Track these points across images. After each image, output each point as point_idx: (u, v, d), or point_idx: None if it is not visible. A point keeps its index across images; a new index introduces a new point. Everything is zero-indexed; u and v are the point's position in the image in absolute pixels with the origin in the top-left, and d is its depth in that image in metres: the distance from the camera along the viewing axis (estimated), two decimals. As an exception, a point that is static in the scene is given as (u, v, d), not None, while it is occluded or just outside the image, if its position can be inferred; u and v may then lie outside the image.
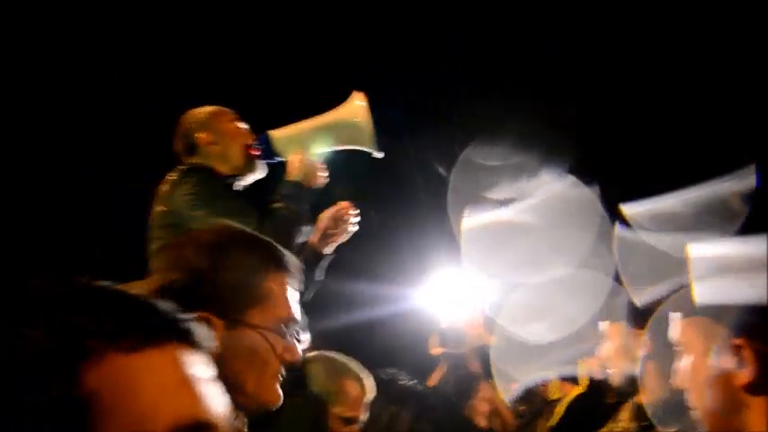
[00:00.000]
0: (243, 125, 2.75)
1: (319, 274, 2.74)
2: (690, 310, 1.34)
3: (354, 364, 2.52)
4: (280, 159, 2.73)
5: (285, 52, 5.23)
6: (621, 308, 2.07)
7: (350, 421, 2.44)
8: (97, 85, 4.83)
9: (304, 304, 2.59)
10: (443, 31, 5.47)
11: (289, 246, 2.43)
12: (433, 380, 3.99)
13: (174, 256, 1.39)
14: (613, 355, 2.12)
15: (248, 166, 2.70)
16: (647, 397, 2.06)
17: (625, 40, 5.46)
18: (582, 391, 4.02)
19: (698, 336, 1.32)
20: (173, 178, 2.58)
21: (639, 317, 2.03)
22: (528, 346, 4.08)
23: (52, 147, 4.92)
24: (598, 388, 3.83)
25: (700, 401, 1.32)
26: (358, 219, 2.78)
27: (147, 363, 0.63)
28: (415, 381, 3.58)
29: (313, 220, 2.71)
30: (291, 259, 1.45)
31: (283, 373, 1.41)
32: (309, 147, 2.69)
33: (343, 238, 2.78)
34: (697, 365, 1.32)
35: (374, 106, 2.67)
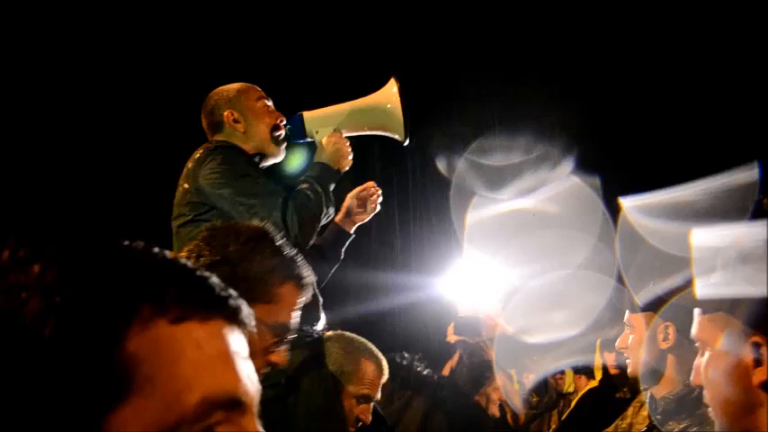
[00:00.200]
0: (270, 103, 2.72)
1: (340, 254, 2.76)
2: (709, 305, 1.33)
3: (371, 345, 2.54)
4: (311, 140, 2.73)
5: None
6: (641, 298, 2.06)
7: (364, 399, 2.46)
8: (125, 57, 4.89)
9: (324, 285, 2.61)
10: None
11: (313, 226, 2.45)
12: (447, 369, 4.01)
13: (213, 237, 1.52)
14: (634, 345, 2.11)
15: (273, 146, 2.67)
16: (663, 390, 2.05)
17: (628, 40, 5.45)
18: (594, 385, 4.01)
19: (716, 332, 1.31)
20: (198, 156, 2.54)
21: (659, 308, 2.02)
22: (543, 338, 4.08)
23: (78, 118, 4.98)
24: (610, 383, 3.82)
25: (716, 398, 1.32)
26: (381, 199, 2.80)
27: (192, 334, 0.63)
28: (430, 370, 3.60)
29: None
30: (310, 280, 1.54)
31: (266, 370, 1.46)
32: (341, 129, 2.69)
33: (367, 218, 2.80)
34: (714, 362, 1.31)
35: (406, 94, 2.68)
